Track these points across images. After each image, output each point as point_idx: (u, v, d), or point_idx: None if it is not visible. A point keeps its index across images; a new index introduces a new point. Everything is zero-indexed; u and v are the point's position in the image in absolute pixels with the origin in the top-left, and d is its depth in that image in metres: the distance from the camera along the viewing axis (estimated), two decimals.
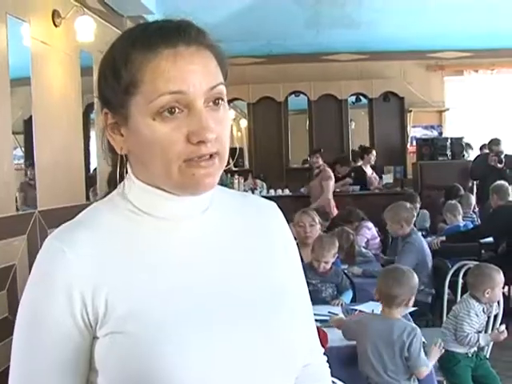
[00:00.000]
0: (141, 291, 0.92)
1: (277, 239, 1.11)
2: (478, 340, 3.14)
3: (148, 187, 0.97)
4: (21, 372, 0.94)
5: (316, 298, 3.47)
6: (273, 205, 1.15)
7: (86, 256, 0.92)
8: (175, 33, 0.92)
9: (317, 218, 4.47)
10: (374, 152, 9.07)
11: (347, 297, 3.75)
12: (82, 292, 0.90)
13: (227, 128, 0.96)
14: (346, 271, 4.20)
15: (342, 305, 3.56)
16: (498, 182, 6.22)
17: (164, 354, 0.89)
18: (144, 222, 0.97)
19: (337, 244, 3.95)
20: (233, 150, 1.05)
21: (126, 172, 0.99)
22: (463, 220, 6.18)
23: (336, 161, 8.81)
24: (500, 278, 3.26)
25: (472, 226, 6.05)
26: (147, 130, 0.91)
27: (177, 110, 0.90)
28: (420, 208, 6.89)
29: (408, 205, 4.93)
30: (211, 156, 0.92)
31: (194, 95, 0.90)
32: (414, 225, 4.94)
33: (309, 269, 3.70)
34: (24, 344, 0.93)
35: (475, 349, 3.22)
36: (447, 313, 3.98)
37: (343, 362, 2.62)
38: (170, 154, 0.90)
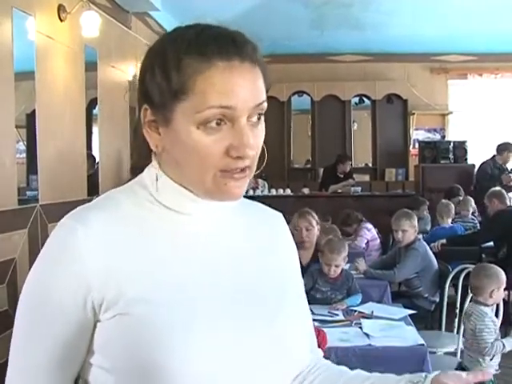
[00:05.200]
0: (152, 277, 0.94)
1: (280, 246, 1.14)
2: (503, 346, 3.07)
3: (175, 185, 0.98)
4: (21, 340, 0.95)
5: (324, 305, 3.43)
6: (279, 214, 1.19)
7: (98, 236, 0.93)
8: (232, 45, 0.93)
9: (314, 221, 4.40)
10: None
11: (355, 299, 3.61)
12: (88, 273, 0.91)
13: (262, 141, 0.98)
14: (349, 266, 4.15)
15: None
16: (497, 187, 6.23)
17: (169, 341, 0.90)
18: (161, 212, 0.99)
19: (346, 247, 3.85)
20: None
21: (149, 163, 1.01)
22: (460, 223, 6.18)
23: (337, 159, 8.79)
24: (503, 277, 3.25)
25: (459, 229, 6.03)
26: (189, 138, 0.92)
27: (222, 123, 0.92)
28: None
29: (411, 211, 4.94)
30: (243, 169, 0.94)
31: (241, 111, 0.91)
32: None
33: (319, 276, 3.66)
34: (27, 319, 0.95)
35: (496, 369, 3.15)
36: (446, 315, 3.99)
37: (342, 362, 2.61)
38: (208, 163, 0.92)
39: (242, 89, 0.91)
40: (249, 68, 0.93)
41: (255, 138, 0.94)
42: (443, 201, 6.40)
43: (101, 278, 0.91)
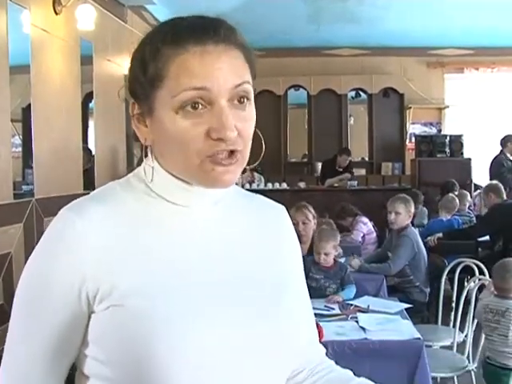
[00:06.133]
0: (148, 268, 0.94)
1: (281, 239, 1.13)
2: None
3: (167, 174, 0.99)
4: (18, 331, 0.96)
5: (319, 295, 3.43)
6: (282, 207, 1.18)
7: (96, 229, 0.93)
8: (205, 31, 0.93)
9: (311, 215, 4.43)
10: None
11: (349, 291, 3.61)
12: (83, 265, 0.92)
13: (251, 126, 0.97)
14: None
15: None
16: (493, 181, 6.25)
17: (167, 335, 0.90)
18: (156, 203, 0.99)
19: (337, 235, 3.90)
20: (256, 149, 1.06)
21: (145, 156, 1.01)
22: (457, 216, 6.18)
23: (337, 152, 8.81)
24: None
25: (456, 222, 6.04)
26: (169, 123, 0.93)
27: (200, 106, 0.92)
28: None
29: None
30: (232, 153, 0.93)
31: (218, 92, 0.91)
32: (412, 222, 4.96)
33: (313, 264, 3.67)
34: (23, 311, 0.96)
35: None
36: (443, 309, 4.00)
37: (338, 356, 2.61)
38: (190, 148, 0.92)
39: (216, 70, 0.91)
40: (224, 50, 0.93)
41: (239, 120, 0.94)
42: (450, 195, 6.39)
43: (96, 269, 0.92)
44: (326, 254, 3.70)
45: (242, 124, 0.94)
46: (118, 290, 0.91)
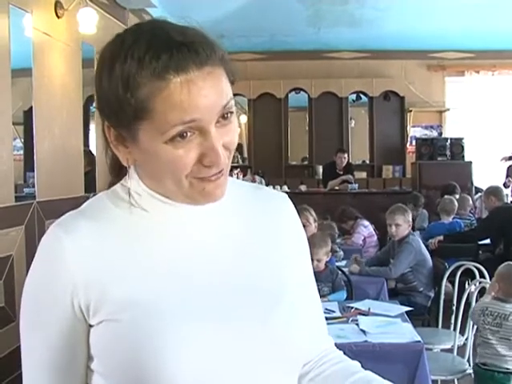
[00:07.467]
0: (137, 281, 0.93)
1: (286, 232, 1.11)
2: None
3: (153, 193, 0.98)
4: (22, 347, 0.97)
5: None
6: (284, 197, 1.16)
7: (83, 244, 0.93)
8: (185, 54, 0.87)
9: (312, 218, 4.46)
10: None
11: (340, 296, 3.73)
12: (73, 279, 0.92)
13: (236, 136, 0.95)
14: (344, 269, 4.20)
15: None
16: (494, 184, 6.26)
17: (158, 345, 0.89)
18: (145, 215, 0.98)
19: (329, 242, 3.96)
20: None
21: (129, 167, 0.99)
22: (458, 219, 6.19)
23: (336, 151, 8.83)
24: None
25: (457, 225, 6.04)
26: (159, 153, 0.89)
27: (189, 134, 0.89)
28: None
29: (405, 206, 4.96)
30: (220, 170, 0.93)
31: (207, 119, 0.88)
32: (413, 227, 4.97)
33: None
34: (26, 326, 0.97)
35: None
36: (444, 312, 4.00)
37: None
38: (182, 174, 0.91)
39: (203, 99, 0.87)
40: (208, 72, 0.88)
41: (226, 134, 0.92)
42: (447, 197, 6.39)
43: (85, 283, 0.92)
44: (318, 261, 3.78)
45: (229, 137, 0.93)
46: (109, 303, 0.91)
